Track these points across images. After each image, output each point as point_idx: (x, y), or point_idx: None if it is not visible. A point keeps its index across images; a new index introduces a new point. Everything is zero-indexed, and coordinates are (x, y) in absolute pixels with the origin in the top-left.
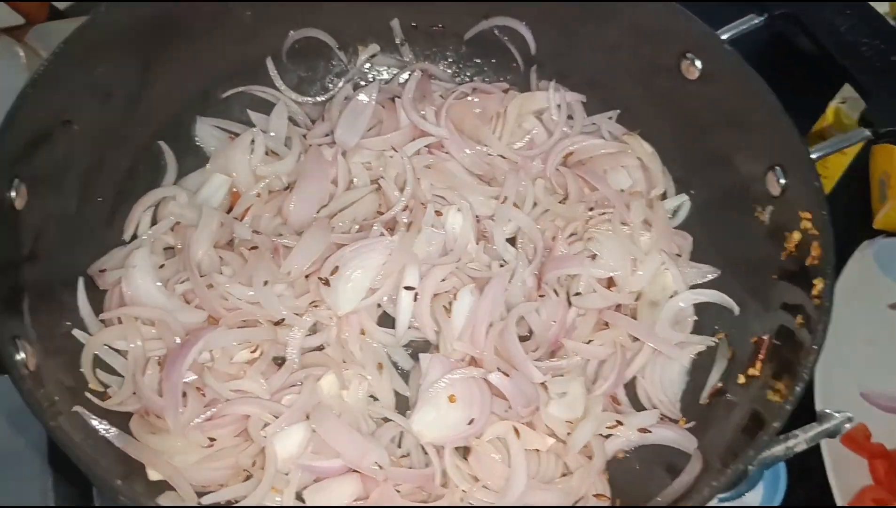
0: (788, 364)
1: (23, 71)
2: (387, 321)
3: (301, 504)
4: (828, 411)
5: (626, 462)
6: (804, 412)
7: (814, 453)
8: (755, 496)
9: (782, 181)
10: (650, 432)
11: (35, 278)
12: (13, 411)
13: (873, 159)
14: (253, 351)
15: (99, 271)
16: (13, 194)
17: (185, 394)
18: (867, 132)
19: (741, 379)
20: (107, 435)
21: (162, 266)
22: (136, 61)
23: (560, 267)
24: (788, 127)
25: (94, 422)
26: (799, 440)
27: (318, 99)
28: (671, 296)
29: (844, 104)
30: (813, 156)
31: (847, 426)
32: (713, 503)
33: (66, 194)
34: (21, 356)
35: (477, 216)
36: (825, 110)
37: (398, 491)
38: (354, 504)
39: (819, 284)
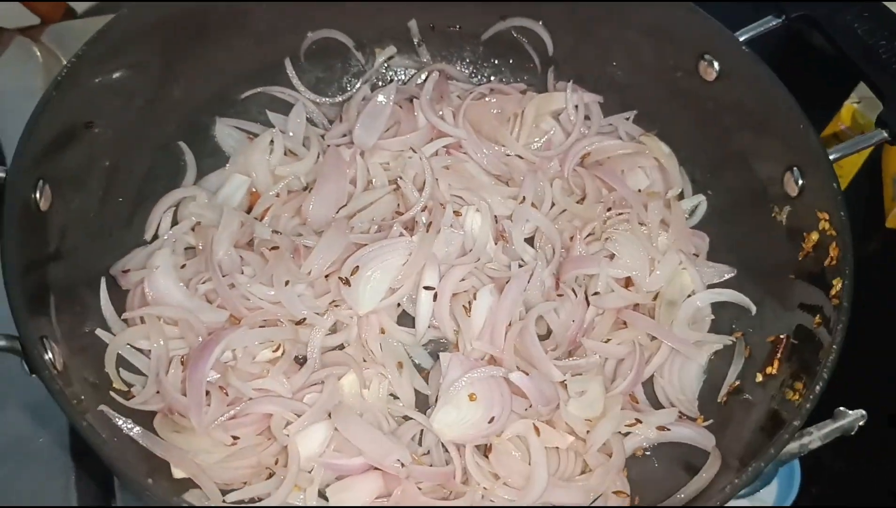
0: (807, 364)
1: (39, 70)
2: (406, 320)
3: (324, 503)
4: (842, 409)
5: (645, 459)
6: (818, 410)
7: (827, 450)
8: (770, 492)
9: (800, 182)
10: (669, 430)
11: (59, 278)
12: (35, 405)
13: (886, 159)
14: (275, 350)
15: (122, 272)
16: (38, 195)
17: (208, 393)
18: (885, 134)
19: (759, 378)
20: (131, 434)
21: (183, 266)
22: (157, 63)
23: (578, 267)
24: (806, 128)
25: (119, 421)
26: (813, 438)
27: (336, 99)
28: (689, 296)
29: (860, 104)
30: (831, 157)
31: (861, 423)
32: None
33: (89, 195)
34: (49, 356)
35: (495, 217)
36: (840, 110)
37: (419, 489)
38: (376, 501)
39: (837, 284)
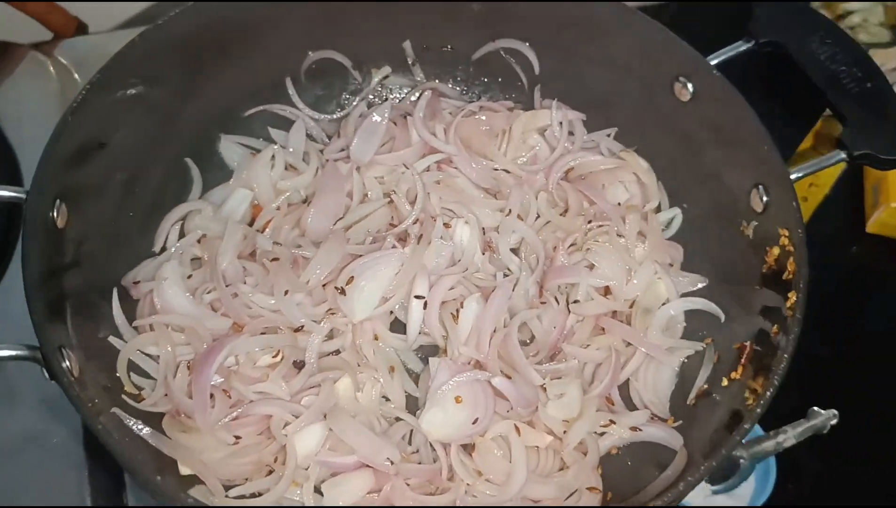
0: (765, 369)
1: (54, 84)
2: (398, 327)
3: (319, 498)
4: (815, 408)
5: (618, 457)
6: (793, 410)
7: (802, 448)
8: (747, 489)
9: (765, 199)
10: (641, 430)
11: (75, 289)
12: (51, 400)
13: (867, 168)
14: (274, 356)
15: (133, 283)
16: (55, 214)
17: (212, 396)
18: (843, 154)
19: (724, 382)
20: (141, 434)
21: (190, 276)
22: (168, 87)
23: (560, 276)
24: (770, 148)
25: (130, 422)
26: (788, 436)
27: (335, 116)
28: (663, 304)
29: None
30: (793, 176)
31: (833, 422)
32: (707, 501)
33: (102, 211)
34: (66, 363)
35: (483, 228)
36: (812, 129)
37: (408, 485)
38: (368, 496)
39: (792, 296)
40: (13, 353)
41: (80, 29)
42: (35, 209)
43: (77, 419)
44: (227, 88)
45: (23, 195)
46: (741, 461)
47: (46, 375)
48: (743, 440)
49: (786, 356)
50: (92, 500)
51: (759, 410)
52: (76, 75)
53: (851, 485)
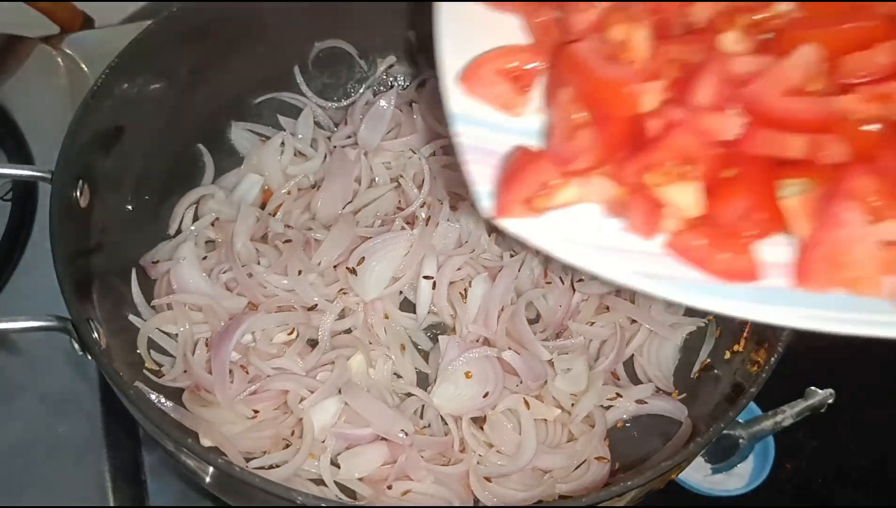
0: (765, 339)
1: (62, 76)
2: (408, 306)
3: (335, 471)
4: (813, 388)
5: (625, 430)
6: (791, 390)
7: (800, 429)
8: (746, 467)
9: None
10: (646, 403)
11: (99, 268)
12: (54, 396)
13: None
14: (290, 334)
15: (151, 263)
16: (78, 193)
17: (231, 371)
18: None
19: (726, 355)
20: (164, 408)
21: (205, 258)
22: (181, 73)
23: None
24: None
25: (153, 396)
26: (786, 416)
27: (342, 104)
28: None
29: None
30: None
31: (830, 401)
32: (707, 480)
33: (121, 193)
34: (95, 335)
35: None
36: None
37: (422, 457)
38: (383, 466)
39: None
40: (43, 324)
41: (87, 23)
42: (60, 188)
43: (85, 413)
44: (236, 76)
45: (48, 175)
46: (740, 440)
47: (76, 346)
48: (742, 416)
49: None
50: (112, 481)
51: (763, 375)
52: (84, 67)
53: (849, 463)
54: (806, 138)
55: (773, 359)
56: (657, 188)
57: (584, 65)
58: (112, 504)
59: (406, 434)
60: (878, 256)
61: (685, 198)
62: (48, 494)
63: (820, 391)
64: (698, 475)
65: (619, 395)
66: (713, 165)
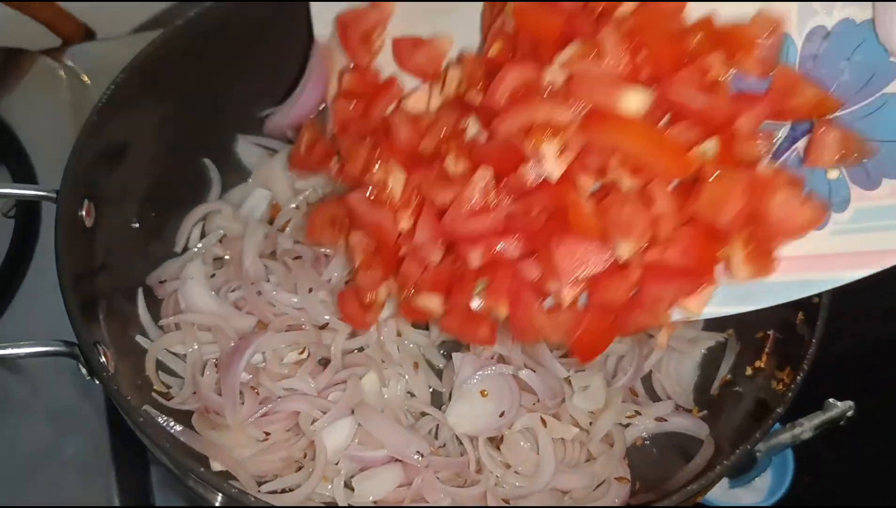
0: (791, 357)
1: (64, 88)
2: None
3: (349, 494)
4: (832, 400)
5: (644, 448)
6: (809, 403)
7: (820, 441)
8: (764, 482)
9: None
10: (666, 420)
11: (105, 289)
12: (58, 413)
13: None
14: (300, 353)
15: (158, 282)
16: (84, 213)
17: (241, 393)
18: None
19: (748, 371)
20: (173, 431)
21: (212, 275)
22: (186, 88)
23: None
24: None
25: (161, 419)
26: (805, 429)
27: None
28: None
29: None
30: None
31: (849, 413)
32: (725, 495)
33: (126, 211)
34: (103, 359)
35: None
36: None
37: (438, 478)
38: (398, 489)
39: None
40: (50, 349)
41: (88, 35)
42: (66, 208)
43: (91, 429)
44: (242, 89)
45: (53, 194)
46: (758, 454)
47: (84, 371)
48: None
49: (814, 340)
50: (120, 501)
51: (790, 394)
52: (85, 79)
53: (869, 477)
54: (481, 249)
55: (798, 378)
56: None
57: (355, 211)
58: None
59: (422, 456)
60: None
61: (432, 304)
62: None
63: (839, 403)
64: (717, 489)
65: (637, 412)
66: (438, 279)
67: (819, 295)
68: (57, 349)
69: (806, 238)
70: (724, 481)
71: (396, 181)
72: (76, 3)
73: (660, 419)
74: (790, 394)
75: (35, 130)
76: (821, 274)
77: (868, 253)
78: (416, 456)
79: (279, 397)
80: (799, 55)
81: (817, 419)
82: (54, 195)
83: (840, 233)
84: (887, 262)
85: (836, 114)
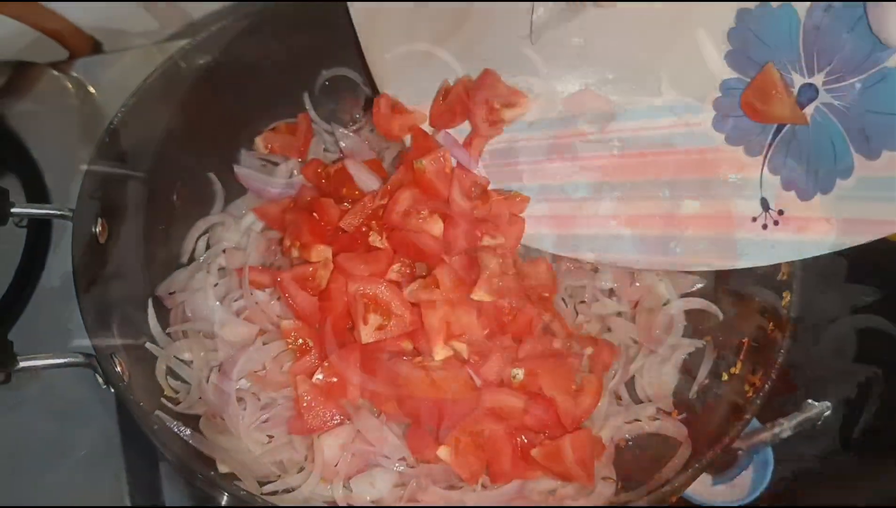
0: (762, 364)
1: (72, 100)
2: None
3: (348, 494)
4: (810, 401)
5: (627, 449)
6: (788, 403)
7: (798, 440)
8: (745, 479)
9: None
10: (647, 422)
11: (118, 300)
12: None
13: None
14: None
15: (168, 293)
16: (98, 229)
17: (243, 400)
18: None
19: (724, 377)
20: (182, 435)
21: (216, 285)
22: (193, 107)
23: (568, 279)
24: None
25: (171, 424)
26: (784, 428)
27: (349, 130)
28: (664, 304)
29: None
30: None
31: (826, 413)
32: (707, 491)
33: (136, 225)
34: (118, 369)
35: None
36: None
37: (431, 481)
38: (394, 489)
39: (787, 296)
40: (70, 360)
41: (96, 48)
42: (81, 226)
43: (102, 425)
44: (246, 104)
45: (69, 213)
46: (739, 452)
47: (100, 380)
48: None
49: (782, 350)
50: (131, 500)
51: (758, 401)
52: (92, 91)
53: (846, 473)
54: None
55: (766, 385)
56: None
57: (286, 292)
58: None
59: (407, 465)
60: None
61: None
62: None
63: (817, 403)
64: (700, 486)
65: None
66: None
67: (788, 309)
68: (76, 360)
69: (813, 201)
70: (708, 478)
71: (323, 269)
72: (84, 17)
73: (641, 421)
74: (759, 400)
75: (43, 140)
76: (824, 237)
77: (867, 221)
78: (398, 466)
79: (280, 403)
80: (802, 26)
81: (796, 418)
82: (70, 214)
83: (844, 198)
84: (884, 231)
85: (836, 87)
